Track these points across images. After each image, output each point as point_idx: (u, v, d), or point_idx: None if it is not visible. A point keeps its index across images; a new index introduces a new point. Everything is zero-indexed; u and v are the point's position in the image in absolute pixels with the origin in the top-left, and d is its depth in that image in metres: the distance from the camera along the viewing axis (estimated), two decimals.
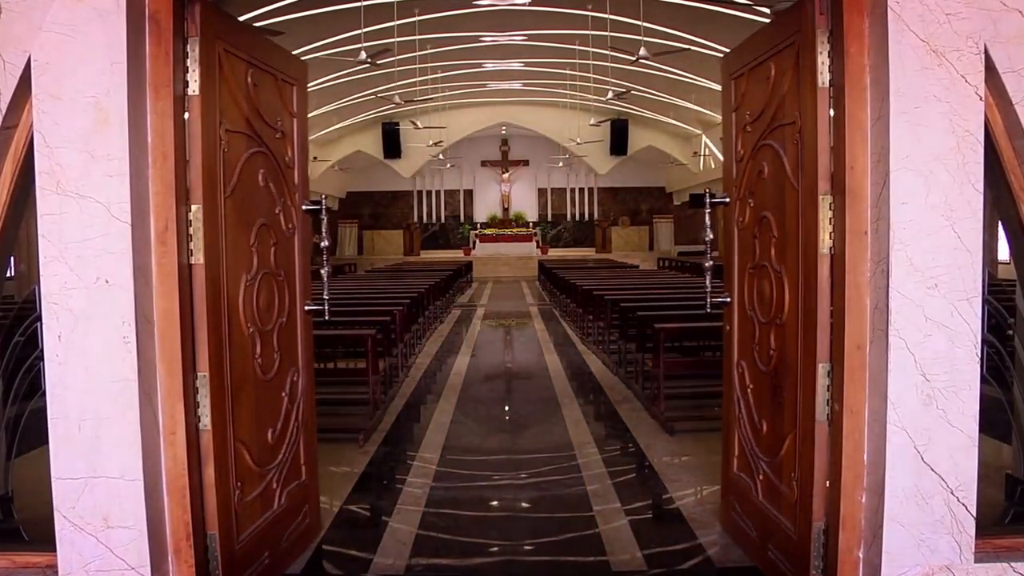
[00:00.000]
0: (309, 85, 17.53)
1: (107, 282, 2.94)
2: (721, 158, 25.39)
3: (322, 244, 3.92)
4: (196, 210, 3.24)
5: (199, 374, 3.28)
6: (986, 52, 2.93)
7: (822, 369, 3.32)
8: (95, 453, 2.96)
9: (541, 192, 35.10)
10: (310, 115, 23.40)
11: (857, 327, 3.11)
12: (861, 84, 3.06)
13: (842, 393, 3.16)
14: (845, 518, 3.14)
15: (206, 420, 3.30)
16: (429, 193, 34.83)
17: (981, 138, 2.94)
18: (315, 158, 28.04)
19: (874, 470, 3.06)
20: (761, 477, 3.87)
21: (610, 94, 19.54)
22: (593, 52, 19.18)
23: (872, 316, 3.07)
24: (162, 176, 3.09)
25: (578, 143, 26.98)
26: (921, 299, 2.95)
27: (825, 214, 3.27)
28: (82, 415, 2.96)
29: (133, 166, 2.96)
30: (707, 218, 4.05)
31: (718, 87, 20.67)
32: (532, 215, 34.72)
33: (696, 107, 23.45)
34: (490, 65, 22.39)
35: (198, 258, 3.26)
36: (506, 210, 34.41)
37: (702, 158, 27.57)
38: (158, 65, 3.05)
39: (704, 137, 27.18)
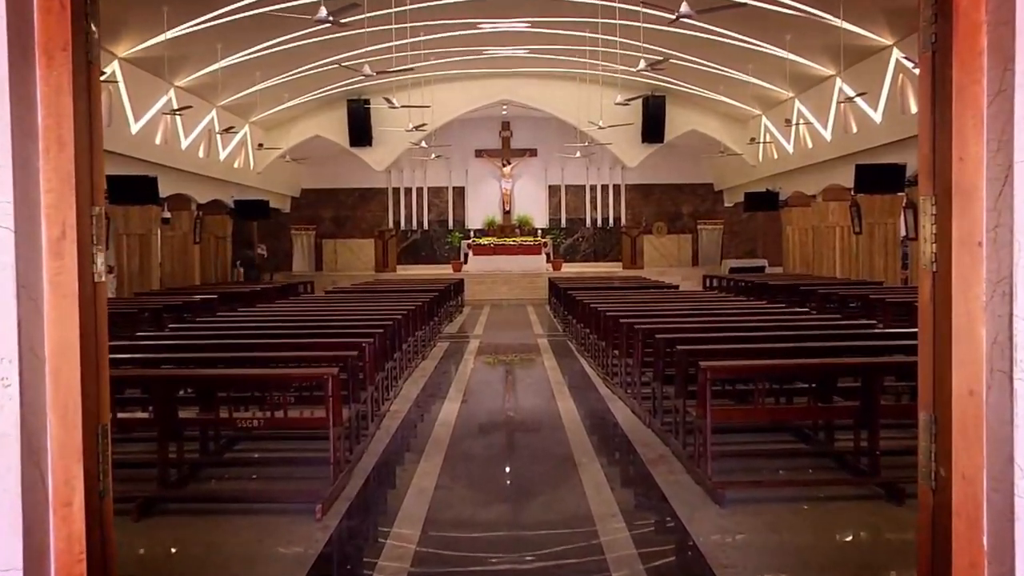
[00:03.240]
0: (249, 52, 17.58)
1: None
2: (788, 146, 25.42)
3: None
4: (99, 212, 3.19)
5: (103, 424, 3.22)
6: None
7: (924, 419, 3.25)
8: None
9: (552, 190, 35.11)
10: (252, 89, 23.58)
11: (969, 366, 3.04)
12: (975, 48, 3.00)
13: (949, 452, 3.08)
14: None
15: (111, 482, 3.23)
16: (408, 191, 34.87)
17: None
18: (260, 145, 28.12)
19: (999, 558, 2.97)
20: None
21: (642, 64, 19.54)
22: (620, 9, 19.22)
23: (990, 352, 3.00)
24: (58, 168, 3.03)
25: (600, 127, 26.99)
26: None
27: (927, 219, 3.21)
28: None
29: (17, 155, 2.91)
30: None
31: (782, 53, 20.75)
32: (541, 220, 34.75)
33: (754, 80, 23.48)
34: (488, 26, 22.46)
35: (104, 274, 3.20)
36: (507, 213, 34.44)
37: (762, 146, 27.60)
38: (50, 22, 3.00)
39: (764, 119, 27.22)
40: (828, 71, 21.25)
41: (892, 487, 6.58)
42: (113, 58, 17.90)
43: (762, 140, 27.25)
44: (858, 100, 19.49)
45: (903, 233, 21.85)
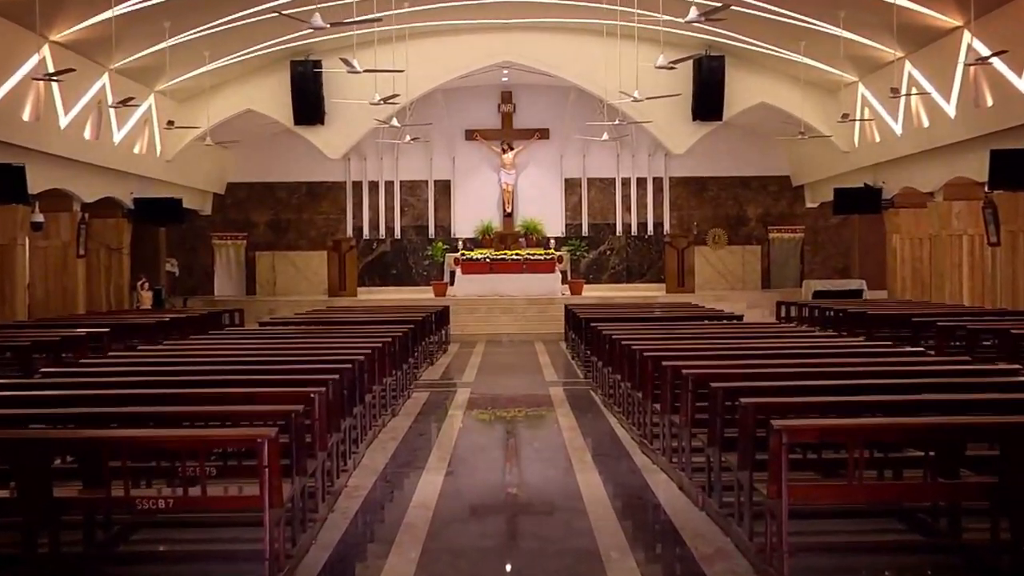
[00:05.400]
0: None
1: None
2: (895, 125, 25.37)
3: None
4: None
5: None
6: None
7: None
8: None
9: (570, 186, 35.13)
10: (159, 46, 23.58)
11: None
12: None
13: None
14: None
15: None
16: (374, 187, 34.90)
17: None
18: (171, 123, 28.16)
19: None
20: None
21: (693, 12, 19.56)
22: None
23: None
24: None
25: (636, 99, 26.97)
26: None
27: None
28: None
29: None
30: None
31: None
32: (555, 226, 34.79)
33: (847, 34, 23.50)
34: None
35: None
36: (509, 216, 34.44)
37: (858, 125, 27.58)
38: None
39: (861, 87, 27.24)
40: (952, 21, 21.25)
41: None
42: None
43: (859, 117, 27.26)
44: (995, 61, 19.44)
45: None
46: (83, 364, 12.69)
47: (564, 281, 32.15)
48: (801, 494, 7.19)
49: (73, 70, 20.44)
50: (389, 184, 34.96)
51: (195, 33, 23.69)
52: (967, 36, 20.83)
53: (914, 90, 23.50)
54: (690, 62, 27.45)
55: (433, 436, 13.49)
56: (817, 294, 29.00)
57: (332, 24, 19.99)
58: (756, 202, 34.92)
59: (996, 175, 19.38)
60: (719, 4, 19.32)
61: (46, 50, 20.68)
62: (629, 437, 12.79)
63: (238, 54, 27.14)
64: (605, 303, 27.39)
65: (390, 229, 34.99)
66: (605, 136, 30.83)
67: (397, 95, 25.84)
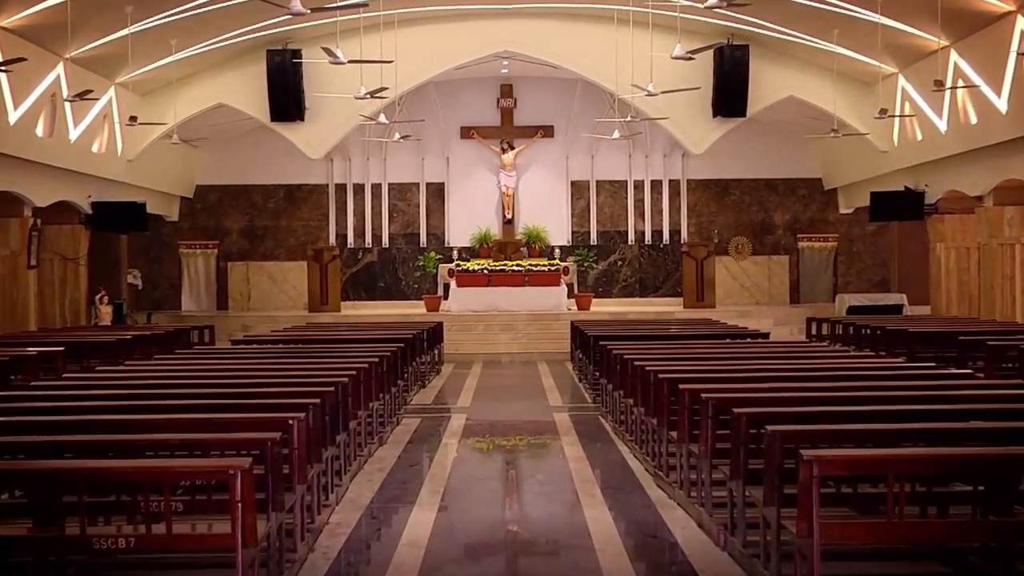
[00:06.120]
0: None
1: None
2: (939, 122, 25.35)
3: None
4: None
5: None
6: None
7: None
8: None
9: (577, 189, 35.13)
10: (120, 33, 23.57)
11: None
12: None
13: None
14: None
15: None
16: (360, 190, 34.90)
17: None
18: (133, 119, 28.15)
19: None
20: None
21: None
22: None
23: None
24: None
25: (650, 93, 26.99)
26: None
27: None
28: None
29: None
30: None
31: None
32: (560, 234, 34.82)
33: (886, 20, 23.50)
34: None
35: None
36: (509, 223, 34.41)
37: (897, 122, 27.57)
38: None
39: (902, 80, 27.22)
40: (1003, 5, 21.23)
41: None
42: None
43: (898, 112, 27.21)
44: None
45: None
46: (34, 387, 12.65)
47: (570, 295, 32.14)
48: (834, 532, 7.17)
49: (24, 59, 20.38)
50: (376, 187, 34.97)
51: (160, 19, 23.65)
52: (1020, 22, 20.81)
53: (960, 82, 23.46)
54: (710, 52, 27.49)
55: (425, 467, 13.49)
56: (852, 310, 28.99)
57: (313, 9, 20.06)
58: (784, 207, 34.91)
59: None
60: None
61: None
62: (642, 468, 12.78)
63: (209, 42, 27.10)
64: (616, 319, 27.42)
65: (377, 237, 34.99)
66: (616, 134, 30.85)
67: (385, 88, 25.80)
